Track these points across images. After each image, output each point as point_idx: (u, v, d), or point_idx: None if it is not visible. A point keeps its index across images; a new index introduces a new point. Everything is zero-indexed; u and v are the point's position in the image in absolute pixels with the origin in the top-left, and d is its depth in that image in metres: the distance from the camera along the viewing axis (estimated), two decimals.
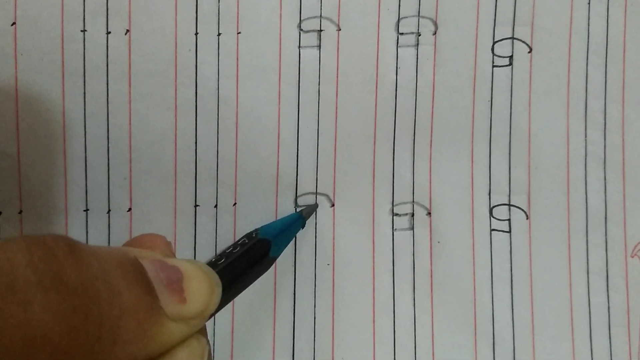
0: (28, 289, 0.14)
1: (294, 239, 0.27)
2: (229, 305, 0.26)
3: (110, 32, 0.26)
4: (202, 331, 0.19)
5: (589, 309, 0.29)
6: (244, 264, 0.24)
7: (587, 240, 0.29)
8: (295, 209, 0.27)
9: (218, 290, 0.19)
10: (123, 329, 0.15)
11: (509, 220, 0.29)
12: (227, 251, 0.24)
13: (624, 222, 0.29)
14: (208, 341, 0.19)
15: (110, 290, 0.15)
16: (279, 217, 0.27)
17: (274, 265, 0.27)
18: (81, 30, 0.25)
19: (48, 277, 0.14)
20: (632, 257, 0.29)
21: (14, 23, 0.25)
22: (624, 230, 0.29)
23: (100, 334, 0.15)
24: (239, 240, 0.26)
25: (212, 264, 0.23)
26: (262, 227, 0.26)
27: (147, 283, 0.17)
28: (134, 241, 0.23)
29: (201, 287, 0.18)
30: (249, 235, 0.26)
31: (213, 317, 0.27)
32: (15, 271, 0.14)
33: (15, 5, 0.25)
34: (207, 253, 0.27)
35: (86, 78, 0.26)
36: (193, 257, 0.27)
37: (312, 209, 0.28)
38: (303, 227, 0.28)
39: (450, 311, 0.28)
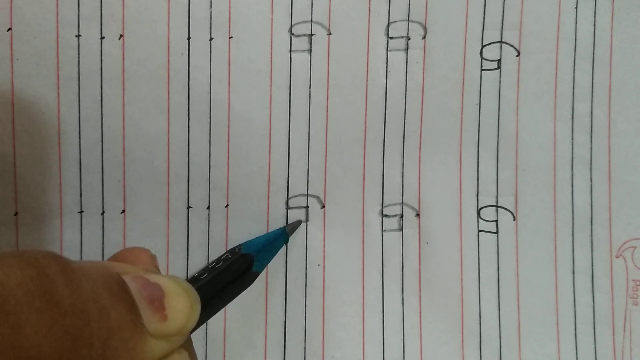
0: (20, 311, 0.14)
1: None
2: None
3: (104, 37, 0.29)
4: (186, 343, 0.21)
5: (575, 309, 0.32)
6: (227, 278, 0.27)
7: (573, 241, 0.33)
8: (287, 211, 0.31)
9: (197, 307, 0.21)
10: (110, 349, 0.17)
11: (497, 221, 0.32)
12: (211, 266, 0.28)
13: (609, 223, 0.33)
14: (193, 351, 0.21)
15: (99, 310, 0.17)
16: (270, 219, 0.31)
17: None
18: (76, 36, 0.29)
19: (40, 298, 0.15)
20: (617, 257, 0.33)
21: (9, 29, 0.28)
22: (610, 231, 0.33)
23: (90, 355, 0.16)
24: (222, 256, 0.29)
25: (194, 278, 0.26)
26: (245, 242, 0.30)
27: (131, 302, 0.18)
28: (119, 255, 0.26)
29: (181, 304, 0.20)
30: (232, 251, 0.29)
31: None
32: (6, 292, 0.14)
33: (11, 11, 0.28)
34: (199, 254, 0.30)
35: (81, 82, 0.29)
36: (186, 258, 0.30)
37: (296, 225, 0.31)
38: (286, 242, 0.31)
39: (438, 311, 0.32)
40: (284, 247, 0.31)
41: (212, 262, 0.28)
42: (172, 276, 0.21)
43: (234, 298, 0.28)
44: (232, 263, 0.28)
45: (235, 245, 0.30)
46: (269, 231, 0.30)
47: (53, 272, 0.16)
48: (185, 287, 0.21)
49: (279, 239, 0.30)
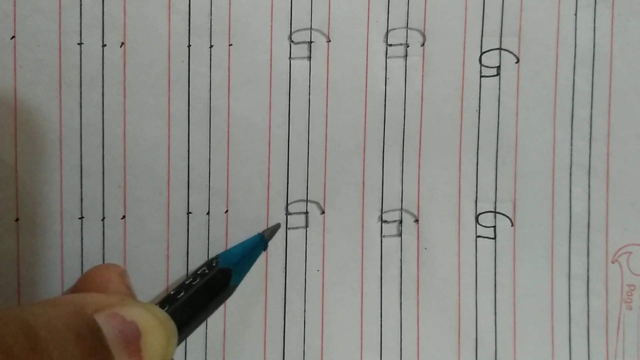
0: None
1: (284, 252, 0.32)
2: (221, 310, 0.31)
3: (105, 45, 0.30)
4: None
5: (569, 313, 0.34)
6: (204, 296, 0.28)
7: (569, 247, 0.34)
8: (287, 217, 0.33)
9: (174, 340, 0.22)
10: None
11: (494, 227, 0.34)
12: (187, 282, 0.29)
13: (606, 228, 0.34)
14: None
15: None
16: (270, 224, 0.32)
17: (264, 270, 0.32)
18: (78, 43, 0.30)
19: None
20: (613, 262, 0.34)
21: (13, 37, 0.30)
22: (606, 237, 0.34)
23: None
24: (198, 270, 0.30)
25: (171, 298, 0.27)
26: (222, 254, 0.31)
27: (105, 351, 0.19)
28: (89, 278, 0.26)
29: (158, 341, 0.21)
30: (209, 264, 0.31)
31: (205, 322, 0.32)
32: None
33: (15, 19, 0.30)
34: (199, 259, 0.32)
35: (82, 89, 0.30)
36: (186, 264, 0.32)
37: (275, 229, 0.33)
38: (265, 249, 0.32)
39: (436, 315, 0.34)
40: (281, 253, 0.32)
41: (189, 278, 0.29)
42: (148, 306, 0.22)
43: (211, 314, 0.29)
44: (209, 279, 0.29)
45: (212, 258, 0.31)
46: (247, 239, 0.31)
47: (20, 351, 0.16)
48: (162, 318, 0.22)
49: (257, 246, 0.31)
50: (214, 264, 0.30)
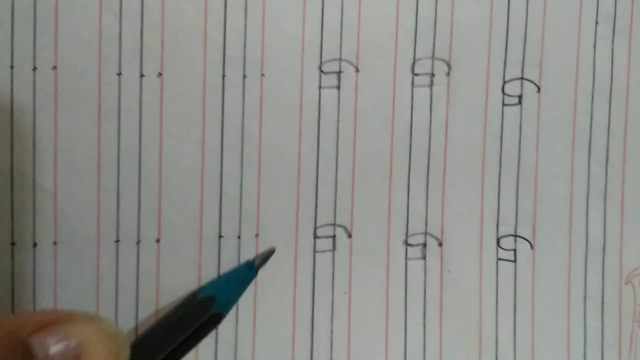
0: None
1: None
2: (249, 331, 0.32)
3: (143, 75, 0.32)
4: None
5: (585, 333, 0.36)
6: (185, 327, 0.29)
7: (585, 269, 0.36)
8: (315, 240, 0.34)
9: (125, 353, 0.21)
10: None
11: (515, 250, 0.35)
12: (169, 313, 0.30)
13: (620, 251, 0.36)
14: None
15: None
16: (299, 247, 0.34)
17: (292, 293, 0.34)
18: (117, 74, 0.32)
19: None
20: (626, 284, 0.36)
21: (54, 67, 0.31)
22: (620, 259, 0.36)
23: None
24: (183, 301, 0.31)
25: (151, 330, 0.28)
26: (207, 283, 0.31)
27: None
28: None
29: (103, 356, 0.19)
30: (193, 293, 0.31)
31: (234, 346, 0.33)
32: None
33: (56, 50, 0.31)
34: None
35: (121, 117, 0.32)
36: None
37: (268, 254, 0.32)
38: (255, 275, 0.32)
39: (458, 336, 0.35)
40: (309, 275, 0.34)
41: (171, 311, 0.30)
42: (95, 320, 0.21)
43: (197, 344, 0.30)
44: (190, 311, 0.30)
45: (196, 289, 0.32)
46: (238, 266, 0.32)
47: None
48: (109, 332, 0.20)
49: (246, 274, 0.32)
50: (195, 294, 0.31)
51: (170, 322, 0.29)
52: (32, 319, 0.20)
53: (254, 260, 0.32)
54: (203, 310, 0.30)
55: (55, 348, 0.19)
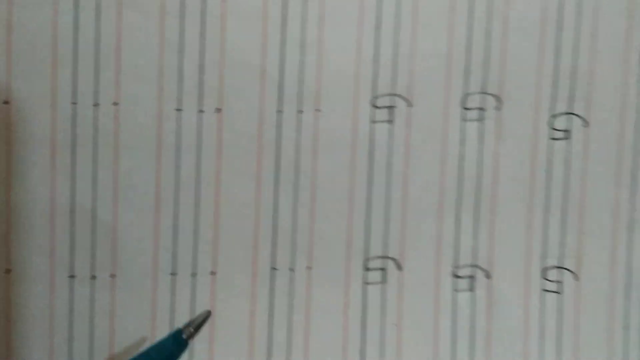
0: None
1: None
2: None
3: (202, 111, 0.32)
4: None
5: None
6: None
7: (627, 299, 0.37)
8: (365, 272, 0.35)
9: None
10: None
11: (560, 282, 0.36)
12: None
13: None
14: None
15: None
16: (351, 279, 0.34)
17: (342, 324, 0.34)
18: (176, 109, 0.32)
19: None
20: None
21: (116, 103, 0.32)
22: None
23: None
24: None
25: None
26: None
27: None
28: None
29: None
30: None
31: None
32: None
33: (118, 87, 0.32)
34: (282, 314, 0.34)
35: (181, 152, 0.32)
36: (270, 317, 0.34)
37: (201, 321, 0.30)
38: (185, 348, 0.29)
39: None
40: (359, 308, 0.34)
41: None
42: None
43: None
44: None
45: None
46: (163, 338, 0.30)
47: None
48: None
49: (173, 350, 0.29)
50: None
51: None
52: None
53: (182, 330, 0.30)
54: None
55: None
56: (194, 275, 0.33)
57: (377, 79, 0.34)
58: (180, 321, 0.33)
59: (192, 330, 0.30)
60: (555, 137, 0.35)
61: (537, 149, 0.35)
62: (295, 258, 0.34)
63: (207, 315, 0.31)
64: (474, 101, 0.35)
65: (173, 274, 0.33)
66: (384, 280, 0.35)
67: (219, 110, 0.32)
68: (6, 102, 0.31)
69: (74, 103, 0.31)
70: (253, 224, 0.33)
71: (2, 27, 0.31)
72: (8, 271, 0.31)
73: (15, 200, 0.31)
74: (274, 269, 0.34)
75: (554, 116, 0.35)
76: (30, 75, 0.31)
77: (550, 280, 0.36)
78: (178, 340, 0.29)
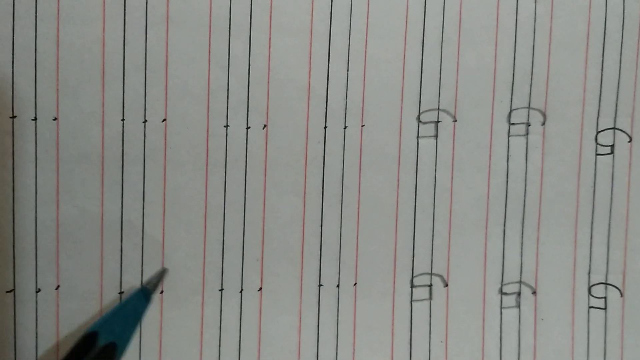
0: None
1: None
2: None
3: (249, 127, 0.33)
4: None
5: None
6: None
7: None
8: (412, 289, 0.34)
9: None
10: None
11: (605, 298, 0.36)
12: None
13: None
14: None
15: None
16: (396, 296, 0.34)
17: (390, 342, 0.34)
18: (224, 126, 0.32)
19: None
20: None
21: (164, 119, 0.32)
22: None
23: None
24: (75, 348, 0.28)
25: None
26: (100, 325, 0.29)
27: None
28: None
29: None
30: (87, 338, 0.28)
31: None
32: None
33: (166, 103, 0.32)
34: (329, 330, 0.34)
35: (227, 168, 0.32)
36: (316, 335, 0.34)
37: (158, 277, 0.31)
38: (148, 302, 0.31)
39: None
40: (406, 324, 0.34)
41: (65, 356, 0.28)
42: None
43: None
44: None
45: (88, 330, 0.29)
46: (125, 298, 0.31)
47: None
48: None
49: (139, 304, 0.30)
50: (93, 339, 0.28)
51: None
52: None
53: (146, 286, 0.31)
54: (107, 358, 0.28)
55: None
56: (241, 291, 0.33)
57: (421, 93, 0.34)
58: (228, 339, 0.33)
59: (152, 287, 0.31)
60: (600, 152, 0.35)
61: (582, 164, 0.35)
62: (341, 274, 0.34)
63: (163, 272, 0.32)
64: (519, 116, 0.35)
65: (221, 290, 0.33)
66: (430, 297, 0.35)
67: (265, 126, 0.32)
68: (55, 119, 0.31)
69: (123, 120, 0.31)
70: (299, 240, 0.33)
71: (50, 44, 0.31)
72: (57, 287, 0.31)
73: (65, 217, 0.31)
74: (320, 285, 0.34)
75: (598, 131, 0.35)
76: (78, 91, 0.31)
77: (595, 297, 0.36)
78: (143, 295, 0.30)
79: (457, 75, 0.34)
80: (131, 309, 0.30)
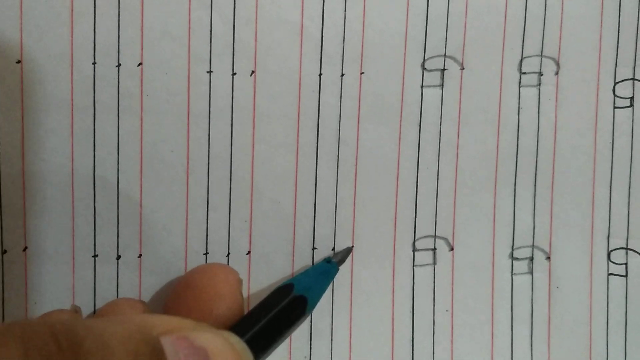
0: None
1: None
2: (345, 351, 0.29)
3: (235, 74, 0.29)
4: None
5: None
6: (281, 324, 0.27)
7: None
8: (414, 253, 0.31)
9: None
10: None
11: (626, 264, 0.33)
12: (260, 308, 0.27)
13: None
14: None
15: None
16: (396, 260, 0.31)
17: (390, 311, 0.31)
18: (207, 72, 0.29)
19: None
20: None
21: (140, 64, 0.28)
22: None
23: None
24: (272, 296, 0.28)
25: (244, 325, 0.26)
26: (296, 280, 0.29)
27: None
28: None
29: None
30: (283, 290, 0.29)
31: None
32: None
33: (142, 46, 0.28)
34: (323, 299, 0.31)
35: (211, 119, 0.29)
36: None
37: (345, 254, 0.31)
38: (335, 274, 0.31)
39: (567, 356, 0.32)
40: (408, 292, 0.31)
41: (262, 303, 0.28)
42: (224, 334, 0.21)
43: (283, 341, 0.28)
44: (286, 307, 0.27)
45: (284, 283, 0.29)
46: (316, 264, 0.31)
47: (55, 356, 0.15)
48: (238, 349, 0.20)
49: (330, 273, 0.30)
50: (289, 291, 0.28)
51: (271, 319, 0.27)
52: (161, 321, 0.20)
53: (332, 259, 0.31)
54: (299, 309, 0.28)
55: (185, 352, 0.19)
56: (228, 255, 0.30)
57: (427, 38, 0.30)
58: None
59: (339, 259, 0.31)
60: (618, 105, 0.32)
61: (599, 118, 0.32)
62: (337, 237, 0.30)
63: (349, 251, 0.31)
64: (530, 65, 0.31)
65: (206, 254, 0.29)
66: (434, 262, 0.31)
67: (253, 72, 0.29)
68: (18, 61, 0.27)
69: (94, 63, 0.28)
70: (291, 200, 0.30)
71: None
72: (25, 249, 0.28)
73: (31, 172, 0.27)
74: (314, 248, 0.30)
75: (616, 82, 0.32)
76: (44, 31, 0.28)
77: (615, 263, 0.32)
78: (333, 266, 0.31)
79: (465, 19, 0.31)
80: (322, 271, 0.30)
